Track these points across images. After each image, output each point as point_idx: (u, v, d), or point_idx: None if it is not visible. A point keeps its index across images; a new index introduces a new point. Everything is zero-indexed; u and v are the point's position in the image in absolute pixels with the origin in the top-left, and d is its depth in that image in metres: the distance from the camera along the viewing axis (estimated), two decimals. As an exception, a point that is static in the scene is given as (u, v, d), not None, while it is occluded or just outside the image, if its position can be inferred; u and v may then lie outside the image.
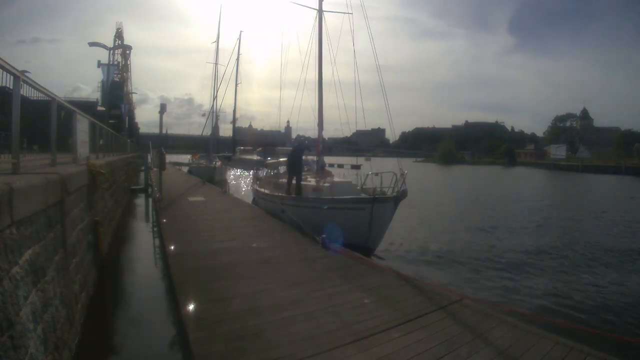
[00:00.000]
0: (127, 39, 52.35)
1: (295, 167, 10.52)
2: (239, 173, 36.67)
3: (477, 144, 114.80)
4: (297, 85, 12.94)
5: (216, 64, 31.55)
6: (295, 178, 10.43)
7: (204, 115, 34.79)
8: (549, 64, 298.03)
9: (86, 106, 24.40)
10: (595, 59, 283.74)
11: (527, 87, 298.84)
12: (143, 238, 10.41)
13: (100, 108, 38.89)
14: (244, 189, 22.29)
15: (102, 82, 41.34)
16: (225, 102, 33.95)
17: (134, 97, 62.41)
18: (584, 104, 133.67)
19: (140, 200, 17.14)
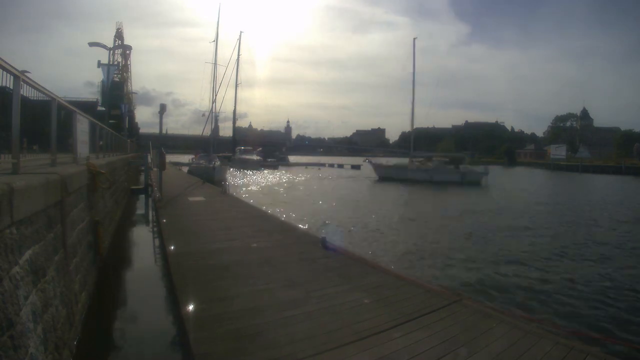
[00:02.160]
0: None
1: None
2: (239, 173, 36.66)
3: (477, 144, 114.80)
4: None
5: (215, 64, 31.64)
6: None
7: (203, 115, 34.88)
8: (516, 55, 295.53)
9: (86, 106, 24.41)
10: (565, 48, 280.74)
11: (502, 82, 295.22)
12: (143, 238, 10.42)
13: (100, 108, 38.91)
14: (244, 187, 22.33)
15: (102, 82, 41.33)
16: (217, 100, 33.95)
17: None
18: (584, 103, 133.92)
19: (140, 200, 17.14)
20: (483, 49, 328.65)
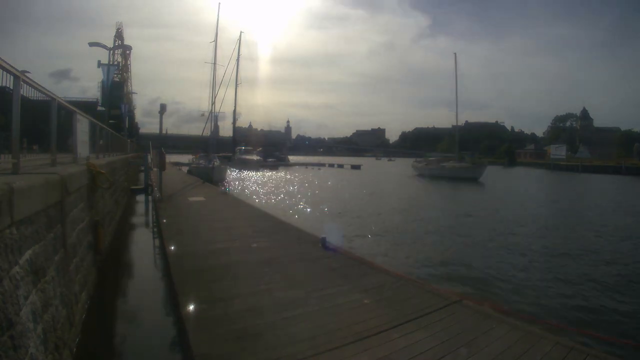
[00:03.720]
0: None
1: None
2: (239, 172, 36.63)
3: (478, 144, 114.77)
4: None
5: (214, 64, 31.70)
6: None
7: (202, 115, 34.90)
8: (489, 48, 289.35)
9: (86, 106, 24.41)
10: (540, 38, 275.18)
11: (482, 78, 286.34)
12: (143, 238, 10.41)
13: (100, 108, 38.91)
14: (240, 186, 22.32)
15: (102, 82, 41.33)
16: (216, 100, 33.88)
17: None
18: (584, 103, 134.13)
19: (140, 200, 17.13)
20: (450, 41, 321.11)
